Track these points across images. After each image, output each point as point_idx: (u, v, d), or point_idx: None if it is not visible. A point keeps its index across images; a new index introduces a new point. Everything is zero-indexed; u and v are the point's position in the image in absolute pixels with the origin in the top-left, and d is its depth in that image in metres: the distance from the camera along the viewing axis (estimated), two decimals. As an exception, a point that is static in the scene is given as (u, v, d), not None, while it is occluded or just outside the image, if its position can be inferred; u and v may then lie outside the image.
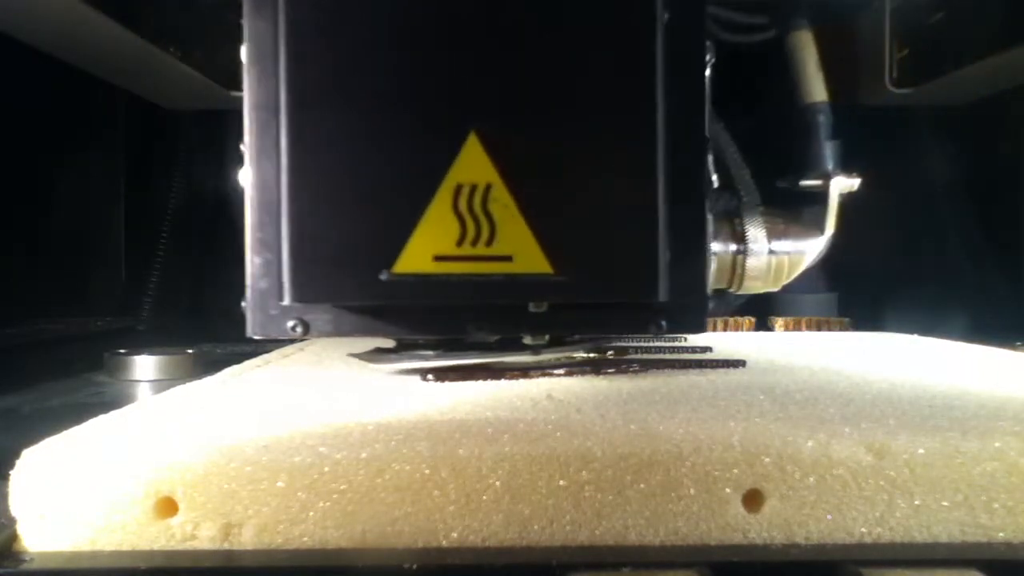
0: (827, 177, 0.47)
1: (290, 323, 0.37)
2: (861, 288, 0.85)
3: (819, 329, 0.82)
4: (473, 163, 0.34)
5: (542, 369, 0.46)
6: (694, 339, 0.58)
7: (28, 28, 0.60)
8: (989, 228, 0.84)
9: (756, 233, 0.45)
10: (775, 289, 0.47)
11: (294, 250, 0.34)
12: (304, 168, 0.34)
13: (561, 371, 0.46)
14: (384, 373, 0.48)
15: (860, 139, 0.53)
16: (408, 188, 0.34)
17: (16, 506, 0.28)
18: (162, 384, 0.59)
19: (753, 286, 0.46)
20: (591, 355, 0.48)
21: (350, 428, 0.32)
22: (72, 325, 0.75)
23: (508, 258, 0.34)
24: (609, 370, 0.46)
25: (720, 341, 0.63)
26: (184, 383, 0.44)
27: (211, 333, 0.88)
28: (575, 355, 0.46)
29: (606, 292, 0.36)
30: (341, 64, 0.34)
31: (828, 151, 0.48)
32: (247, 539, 0.28)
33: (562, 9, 0.34)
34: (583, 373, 0.46)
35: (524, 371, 0.45)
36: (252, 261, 0.36)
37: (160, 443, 0.30)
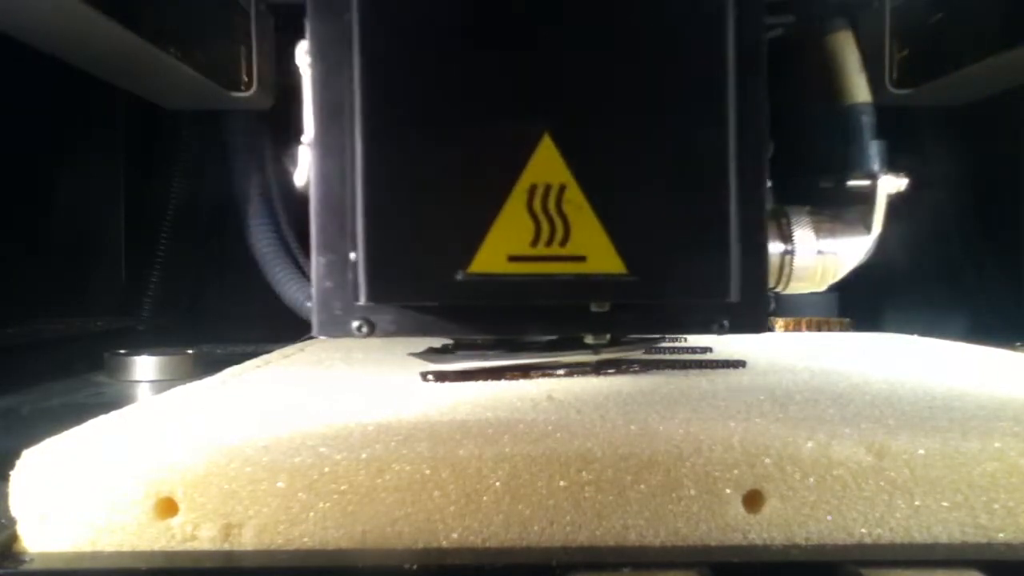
0: (874, 177, 0.47)
1: (355, 323, 0.37)
2: (861, 288, 0.85)
3: (819, 329, 0.82)
4: (547, 164, 0.34)
5: (542, 369, 0.46)
6: (693, 339, 0.57)
7: (28, 28, 0.60)
8: (989, 228, 0.84)
9: (804, 233, 0.45)
10: (820, 290, 0.47)
11: (370, 251, 0.34)
12: (380, 169, 0.34)
13: (561, 371, 0.46)
14: (388, 374, 0.48)
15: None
16: (483, 189, 0.34)
17: (16, 506, 0.28)
18: (162, 384, 0.59)
19: (799, 287, 0.46)
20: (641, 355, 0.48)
21: (350, 429, 0.32)
22: (72, 325, 0.75)
23: (582, 258, 0.35)
24: (609, 370, 0.46)
25: (720, 342, 0.63)
26: (184, 383, 0.44)
27: (211, 333, 0.88)
28: (631, 354, 0.47)
29: (679, 292, 0.36)
30: (416, 66, 0.34)
31: (874, 151, 0.48)
32: (247, 539, 0.28)
33: (637, 12, 0.35)
34: (583, 373, 0.46)
35: (524, 371, 0.46)
36: (317, 262, 0.37)
37: (160, 444, 0.30)
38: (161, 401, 0.39)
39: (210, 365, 0.59)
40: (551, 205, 0.34)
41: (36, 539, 0.28)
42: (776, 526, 0.29)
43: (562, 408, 0.36)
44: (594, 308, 0.37)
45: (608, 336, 0.43)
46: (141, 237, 0.87)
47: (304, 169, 0.38)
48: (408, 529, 0.28)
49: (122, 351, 0.64)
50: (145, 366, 0.62)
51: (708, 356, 0.52)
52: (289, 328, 0.84)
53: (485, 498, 0.28)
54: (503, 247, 0.34)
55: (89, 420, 0.34)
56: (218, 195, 0.91)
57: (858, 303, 0.85)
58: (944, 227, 0.86)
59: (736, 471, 0.29)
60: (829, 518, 0.29)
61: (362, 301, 0.34)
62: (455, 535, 0.28)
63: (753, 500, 0.29)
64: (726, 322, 0.38)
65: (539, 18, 0.34)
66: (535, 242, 0.34)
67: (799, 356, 0.54)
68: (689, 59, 0.35)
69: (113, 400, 0.54)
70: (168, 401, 0.39)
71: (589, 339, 0.42)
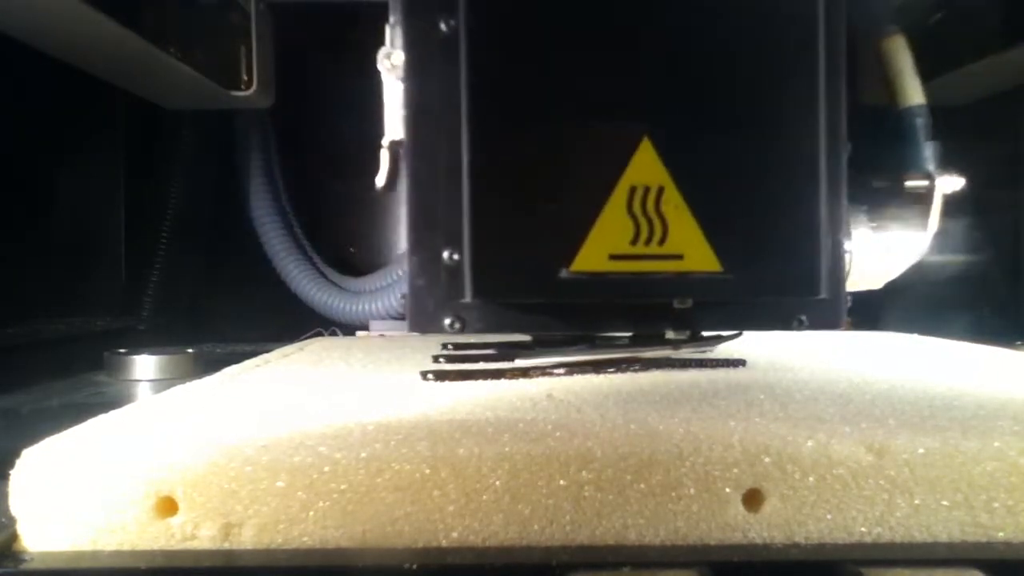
0: (930, 177, 0.48)
1: (447, 319, 0.38)
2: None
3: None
4: (646, 166, 0.35)
5: (541, 369, 0.46)
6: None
7: (28, 28, 0.60)
8: (989, 228, 0.84)
9: (863, 232, 0.46)
10: (877, 288, 0.48)
11: (476, 250, 0.35)
12: (486, 171, 0.35)
13: (561, 371, 0.46)
14: (388, 374, 0.48)
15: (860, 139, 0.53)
16: (585, 190, 0.36)
17: (16, 506, 0.28)
18: (162, 384, 0.59)
19: (858, 284, 0.47)
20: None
21: (350, 428, 0.32)
22: (72, 325, 0.75)
23: (679, 256, 0.36)
24: (609, 369, 0.46)
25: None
26: (184, 383, 0.44)
27: (211, 333, 0.88)
28: (707, 350, 0.48)
29: (771, 289, 0.37)
30: (521, 72, 0.36)
31: (929, 152, 0.49)
32: (247, 539, 0.28)
33: (732, 20, 0.36)
34: (583, 372, 0.46)
35: (524, 371, 0.46)
36: (410, 260, 0.38)
37: (160, 443, 0.30)
38: (161, 401, 0.39)
39: (210, 365, 0.59)
40: (650, 206, 0.36)
41: (36, 538, 0.28)
42: (776, 525, 0.29)
43: (562, 407, 0.36)
44: (677, 305, 0.38)
45: (687, 332, 0.44)
46: (141, 237, 0.86)
47: (384, 170, 0.40)
48: (408, 528, 0.28)
49: (122, 351, 0.64)
50: (145, 366, 0.62)
51: (708, 355, 0.52)
52: (289, 328, 0.84)
53: (485, 497, 0.28)
54: (604, 246, 0.36)
55: (89, 420, 0.34)
56: (218, 194, 0.91)
57: (859, 302, 0.85)
58: (944, 227, 0.86)
59: (736, 470, 0.29)
60: (829, 517, 0.29)
61: (467, 298, 0.36)
62: (455, 534, 0.28)
63: (753, 499, 0.29)
64: (804, 318, 0.39)
65: (639, 27, 0.36)
66: (635, 241, 0.36)
67: (799, 355, 0.54)
68: (783, 64, 0.36)
69: (113, 400, 0.54)
70: (168, 401, 0.39)
71: (671, 335, 0.44)
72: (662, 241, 0.36)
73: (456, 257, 0.37)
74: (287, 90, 0.87)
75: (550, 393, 0.40)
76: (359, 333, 0.83)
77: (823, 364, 0.50)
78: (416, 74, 0.37)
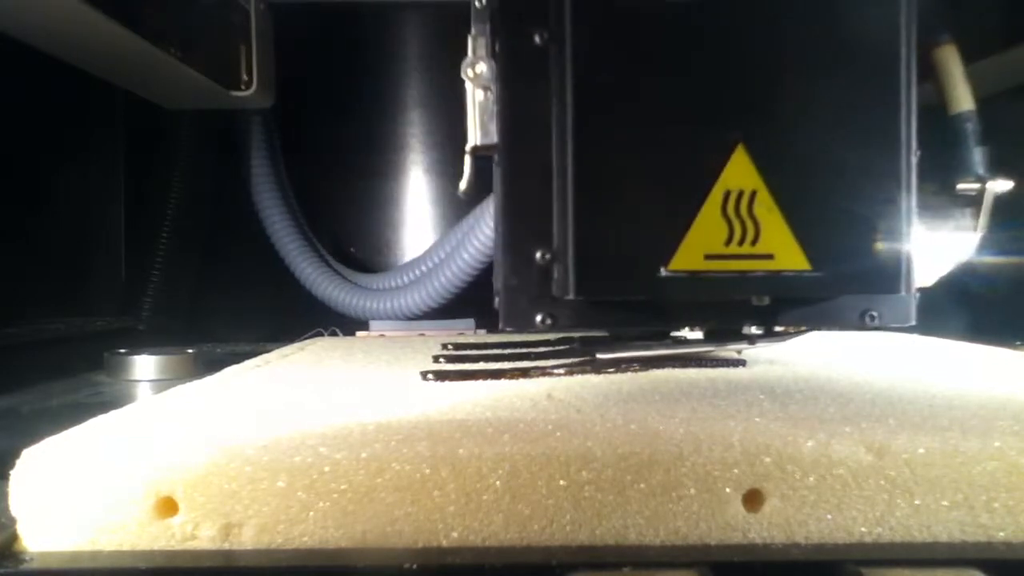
0: (982, 180, 0.49)
1: (539, 316, 0.40)
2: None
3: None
4: (740, 171, 0.38)
5: (541, 369, 0.46)
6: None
7: (28, 28, 0.60)
8: (988, 228, 0.84)
9: (918, 231, 0.46)
10: (928, 285, 0.48)
11: (579, 250, 0.37)
12: (588, 176, 0.37)
13: (561, 371, 0.46)
14: (388, 374, 0.48)
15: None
16: (682, 194, 0.38)
17: (16, 506, 0.28)
18: (162, 384, 0.59)
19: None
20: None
21: (350, 428, 0.32)
22: (72, 325, 0.75)
23: (770, 256, 0.38)
24: (609, 369, 0.46)
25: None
26: (184, 383, 0.44)
27: (211, 333, 0.88)
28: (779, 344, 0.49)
29: (857, 286, 0.39)
30: (623, 82, 0.38)
31: (979, 156, 0.50)
32: (247, 539, 0.28)
33: (820, 32, 0.38)
34: (583, 372, 0.46)
35: (524, 371, 0.46)
36: (504, 260, 0.40)
37: (160, 443, 0.30)
38: (161, 401, 0.39)
39: (210, 365, 0.59)
40: (743, 208, 0.38)
41: (36, 538, 0.28)
42: (776, 525, 0.29)
43: (562, 407, 0.36)
44: (755, 302, 0.40)
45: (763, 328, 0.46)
46: (141, 237, 0.87)
47: (467, 175, 0.43)
48: (408, 528, 0.28)
49: (122, 351, 0.64)
50: (145, 366, 0.62)
51: (708, 354, 0.52)
52: (289, 328, 0.84)
53: (485, 497, 0.28)
54: (700, 246, 0.37)
55: (89, 420, 0.34)
56: (218, 195, 0.91)
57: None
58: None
59: (736, 470, 0.29)
60: (829, 517, 0.29)
61: (571, 296, 0.37)
62: (455, 534, 0.28)
63: (753, 499, 0.29)
64: (875, 314, 0.41)
65: (734, 39, 0.38)
66: (729, 242, 0.38)
67: (799, 354, 0.54)
68: (867, 73, 0.38)
69: (113, 400, 0.54)
70: (168, 401, 0.39)
71: (751, 330, 0.45)
72: (754, 242, 0.38)
73: (548, 257, 0.39)
74: (287, 90, 0.87)
75: (550, 393, 0.40)
76: (359, 333, 0.83)
77: (823, 363, 0.50)
78: (510, 84, 0.39)
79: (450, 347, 0.61)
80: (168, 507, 0.28)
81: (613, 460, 0.29)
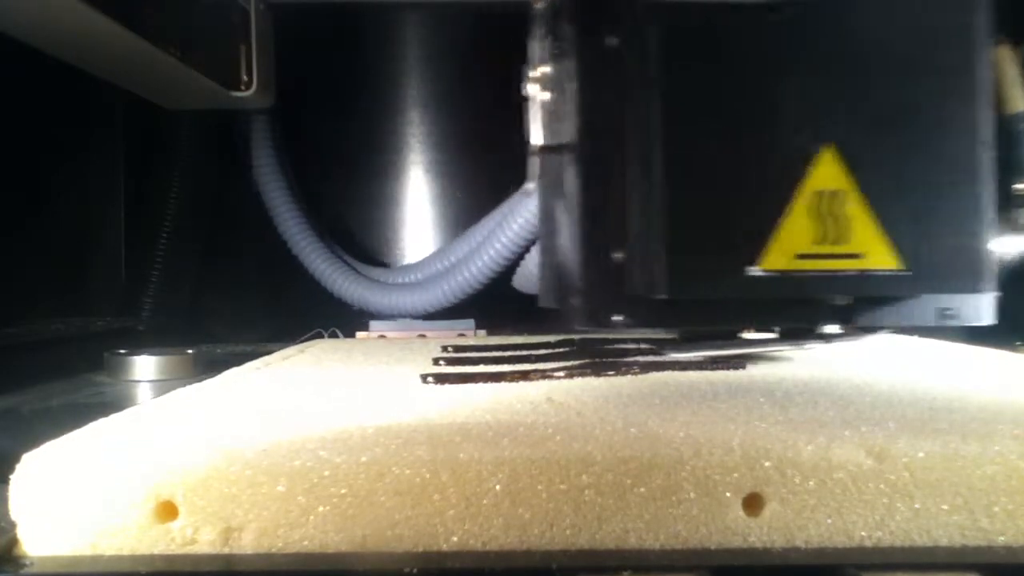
0: None
1: (615, 316, 0.40)
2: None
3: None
4: (829, 172, 0.38)
5: (541, 372, 0.46)
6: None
7: (28, 28, 0.60)
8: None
9: None
10: None
11: (670, 251, 0.37)
12: (679, 179, 0.38)
13: (561, 374, 0.46)
14: (388, 377, 0.48)
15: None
16: (772, 194, 0.38)
17: (16, 510, 0.28)
18: (162, 384, 0.59)
19: None
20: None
21: (350, 431, 0.32)
22: (72, 325, 0.75)
23: (859, 256, 0.38)
24: (609, 372, 0.46)
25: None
26: (184, 383, 0.44)
27: (211, 333, 0.88)
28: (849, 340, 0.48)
29: (944, 285, 0.40)
30: (712, 89, 0.38)
31: None
32: (247, 543, 0.28)
33: (903, 40, 0.39)
34: (583, 375, 0.46)
35: (524, 374, 0.46)
36: (581, 261, 0.40)
37: (160, 447, 0.30)
38: (161, 404, 0.39)
39: (210, 365, 0.59)
40: (833, 208, 0.38)
41: (36, 543, 0.28)
42: (776, 529, 0.29)
43: (562, 411, 0.36)
44: (836, 301, 0.41)
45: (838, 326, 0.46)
46: (141, 237, 0.87)
47: (534, 176, 0.44)
48: (408, 532, 0.28)
49: (122, 351, 0.64)
50: (145, 366, 0.62)
51: (708, 355, 0.52)
52: (288, 328, 0.84)
53: (485, 501, 0.28)
54: (790, 246, 0.38)
55: (89, 420, 0.34)
56: (218, 195, 0.91)
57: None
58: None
59: (736, 474, 0.29)
60: (829, 521, 0.29)
61: (663, 295, 0.38)
62: (455, 538, 0.28)
63: (753, 503, 0.29)
64: (952, 311, 0.41)
65: (824, 49, 0.39)
66: (818, 241, 0.38)
67: (799, 357, 0.54)
68: (950, 76, 0.39)
69: (113, 400, 0.54)
70: (168, 404, 0.39)
71: (828, 329, 0.45)
72: (843, 241, 0.38)
73: (624, 256, 0.39)
74: (287, 90, 0.87)
75: (550, 396, 0.40)
76: (359, 334, 0.83)
77: (823, 366, 0.50)
78: (586, 85, 0.40)
79: (450, 349, 0.61)
80: (168, 511, 0.28)
81: (613, 464, 0.29)
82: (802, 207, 0.38)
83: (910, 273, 0.38)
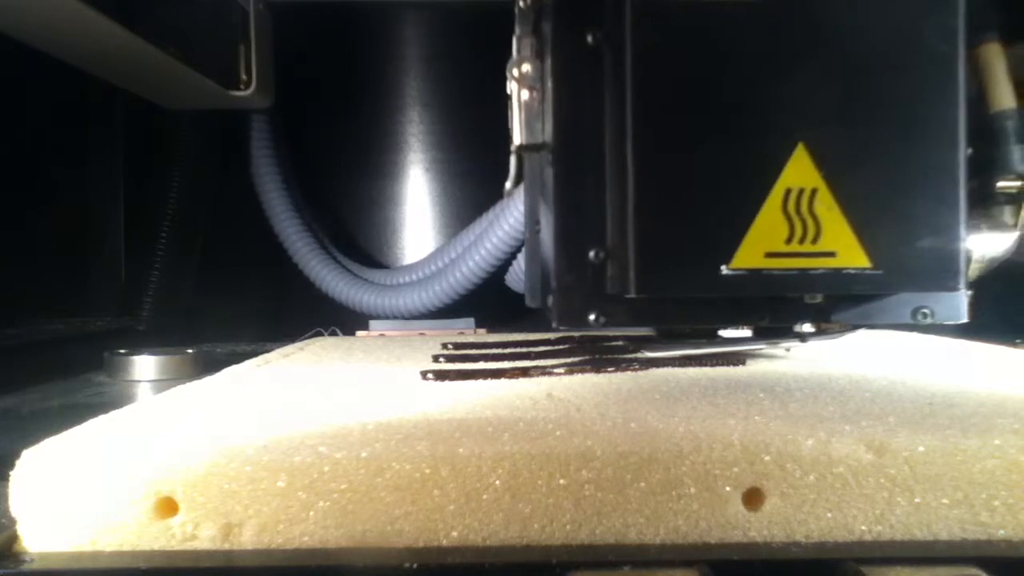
0: (1022, 178, 0.49)
1: (592, 315, 0.40)
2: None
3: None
4: (801, 170, 0.38)
5: (541, 368, 0.46)
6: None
7: (28, 28, 0.60)
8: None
9: None
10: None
11: (640, 248, 0.37)
12: (650, 176, 0.38)
13: (561, 370, 0.46)
14: (388, 373, 0.48)
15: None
16: (743, 193, 0.38)
17: (16, 507, 0.28)
18: (162, 384, 0.59)
19: None
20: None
21: (350, 427, 0.32)
22: (72, 325, 0.75)
23: (831, 254, 0.38)
24: (609, 368, 0.46)
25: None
26: (184, 383, 0.44)
27: (211, 333, 0.88)
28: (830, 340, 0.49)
29: (916, 284, 0.39)
30: (683, 80, 0.38)
31: (1020, 154, 0.50)
32: (247, 539, 0.28)
33: (879, 36, 0.39)
34: (583, 371, 0.46)
35: (524, 371, 0.46)
36: (557, 259, 0.40)
37: (160, 443, 0.30)
38: (161, 401, 0.39)
39: (210, 365, 0.59)
40: (804, 207, 0.38)
41: (36, 539, 0.28)
42: (776, 524, 0.29)
43: (562, 406, 0.36)
44: (807, 300, 0.41)
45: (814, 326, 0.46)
46: (141, 237, 0.87)
47: (512, 174, 0.43)
48: (408, 528, 0.28)
49: (122, 351, 0.64)
50: (145, 366, 0.62)
51: (707, 353, 0.52)
52: (288, 328, 0.84)
53: (485, 497, 0.28)
54: (761, 245, 0.38)
55: (89, 420, 0.34)
56: (218, 195, 0.91)
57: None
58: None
59: (736, 469, 0.29)
60: (829, 515, 0.29)
61: (632, 293, 0.38)
62: (455, 534, 0.28)
63: (753, 498, 0.29)
64: (927, 310, 0.41)
65: (794, 45, 0.38)
66: (789, 240, 0.38)
67: (798, 353, 0.54)
68: (926, 74, 0.39)
69: (113, 400, 0.54)
70: (168, 401, 0.39)
71: (804, 327, 0.45)
72: (815, 239, 0.38)
73: (602, 255, 0.39)
74: (287, 90, 0.87)
75: (550, 392, 0.40)
76: (359, 333, 0.83)
77: (822, 361, 0.50)
78: (564, 83, 0.40)
79: (450, 346, 0.61)
80: (168, 507, 0.28)
81: (613, 459, 0.29)
82: (774, 205, 0.38)
83: (882, 271, 0.38)
